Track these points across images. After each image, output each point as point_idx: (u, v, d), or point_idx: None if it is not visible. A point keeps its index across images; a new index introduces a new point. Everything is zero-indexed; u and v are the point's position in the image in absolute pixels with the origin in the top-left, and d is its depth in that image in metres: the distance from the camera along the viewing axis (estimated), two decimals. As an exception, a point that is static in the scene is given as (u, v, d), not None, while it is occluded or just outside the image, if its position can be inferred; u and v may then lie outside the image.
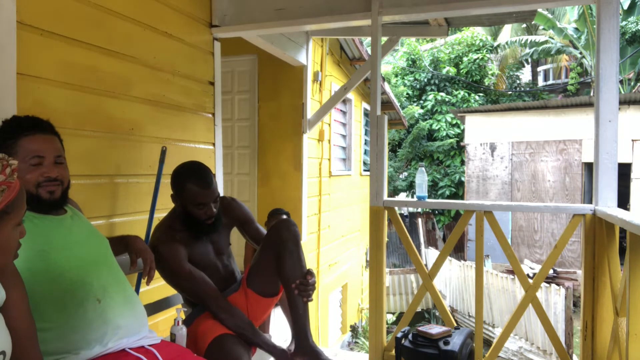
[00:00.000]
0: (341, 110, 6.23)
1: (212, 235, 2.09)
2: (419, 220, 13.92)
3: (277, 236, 2.00)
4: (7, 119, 1.48)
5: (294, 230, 2.01)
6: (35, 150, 1.42)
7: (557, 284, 7.77)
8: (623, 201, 9.28)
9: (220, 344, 1.81)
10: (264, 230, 2.25)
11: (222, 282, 2.06)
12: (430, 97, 15.47)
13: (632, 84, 14.24)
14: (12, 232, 1.03)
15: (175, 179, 2.02)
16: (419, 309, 9.76)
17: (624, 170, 9.11)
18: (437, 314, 10.03)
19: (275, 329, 2.94)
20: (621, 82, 13.89)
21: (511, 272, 8.41)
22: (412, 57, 16.49)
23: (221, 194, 3.21)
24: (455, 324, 2.52)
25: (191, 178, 1.97)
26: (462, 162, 14.01)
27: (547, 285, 7.47)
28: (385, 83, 7.95)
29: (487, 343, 6.76)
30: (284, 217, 3.44)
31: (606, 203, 2.33)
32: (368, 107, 7.19)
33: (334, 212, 5.77)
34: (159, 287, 2.15)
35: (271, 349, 1.93)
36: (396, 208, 2.86)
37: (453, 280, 9.78)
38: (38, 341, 1.18)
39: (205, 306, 1.95)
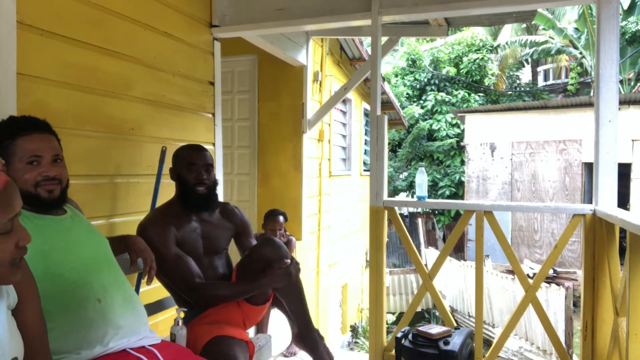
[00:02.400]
0: (341, 110, 6.23)
1: (206, 231, 2.08)
2: (419, 220, 13.92)
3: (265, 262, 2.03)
4: (4, 119, 1.48)
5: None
6: (33, 150, 1.42)
7: (557, 284, 7.76)
8: (623, 201, 9.28)
9: (216, 346, 1.79)
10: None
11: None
12: (430, 97, 15.46)
13: (632, 84, 14.25)
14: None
15: (174, 153, 2.14)
16: (419, 309, 9.75)
17: (624, 170, 9.11)
18: (437, 314, 10.02)
19: (275, 330, 2.93)
20: (621, 82, 13.89)
21: (511, 272, 8.41)
22: (412, 57, 16.49)
23: (220, 195, 3.21)
24: (455, 324, 2.52)
25: (186, 146, 2.15)
26: (462, 162, 14.01)
27: (547, 285, 7.47)
28: (385, 83, 7.95)
29: (487, 343, 6.76)
30: (281, 218, 3.43)
31: (606, 203, 2.33)
32: (368, 107, 7.19)
33: (334, 212, 5.77)
34: (159, 287, 2.15)
35: (264, 282, 1.99)
36: (396, 208, 2.86)
37: (453, 280, 9.78)
38: (48, 343, 1.17)
39: (190, 291, 1.93)
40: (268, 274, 1.99)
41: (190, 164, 2.03)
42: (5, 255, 0.95)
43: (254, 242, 2.27)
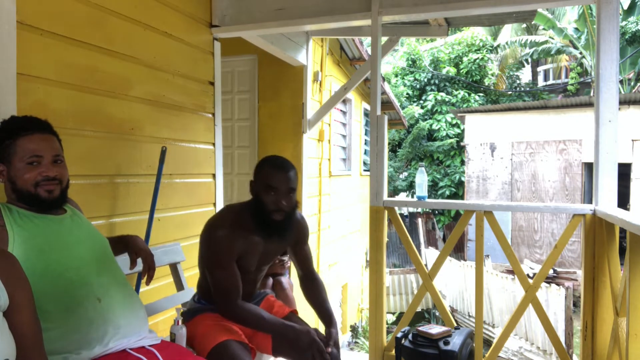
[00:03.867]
0: (341, 110, 6.23)
1: (267, 247, 1.96)
2: (419, 220, 13.92)
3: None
4: (6, 119, 1.48)
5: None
6: (33, 150, 1.42)
7: (557, 284, 7.76)
8: (623, 201, 9.28)
9: (224, 351, 1.77)
10: (309, 253, 2.17)
11: (245, 296, 1.96)
12: (430, 97, 15.47)
13: (632, 84, 14.24)
14: None
15: (258, 164, 1.97)
16: (419, 309, 9.75)
17: (624, 170, 9.11)
18: (437, 314, 10.02)
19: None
20: (621, 82, 13.89)
21: (511, 272, 8.41)
22: (412, 57, 16.49)
23: (220, 195, 3.19)
24: (455, 324, 2.52)
25: (270, 161, 1.93)
26: (462, 162, 14.01)
27: (547, 285, 7.47)
28: (385, 83, 7.95)
29: (487, 343, 6.76)
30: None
31: (606, 203, 2.33)
32: (368, 107, 7.19)
33: (334, 212, 5.77)
34: (159, 287, 2.15)
35: (297, 331, 1.83)
36: (396, 208, 2.85)
37: (453, 280, 9.78)
38: (44, 346, 1.16)
39: (226, 304, 1.85)
40: (302, 336, 1.82)
41: (270, 187, 1.85)
42: None
43: (308, 248, 2.14)
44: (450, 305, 9.64)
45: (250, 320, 1.86)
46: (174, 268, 2.35)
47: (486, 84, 16.05)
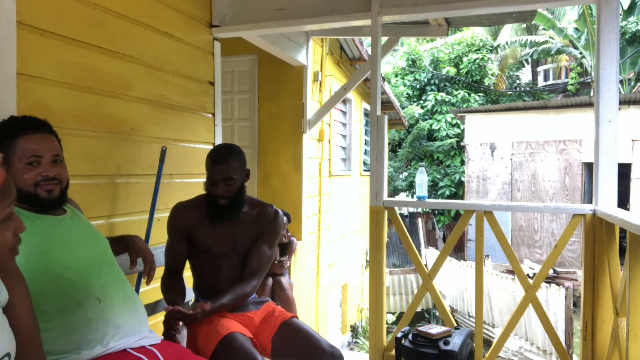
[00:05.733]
0: (341, 110, 6.23)
1: (239, 229, 2.04)
2: (419, 220, 13.92)
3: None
4: (5, 119, 1.48)
5: None
6: (33, 150, 1.42)
7: (557, 284, 7.76)
8: (623, 201, 9.28)
9: (231, 344, 1.78)
10: (267, 255, 2.08)
11: (228, 280, 2.00)
12: (430, 97, 15.46)
13: (632, 84, 14.24)
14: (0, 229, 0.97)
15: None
16: (419, 309, 9.75)
17: (624, 170, 9.11)
18: (437, 314, 10.02)
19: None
20: (621, 82, 13.89)
21: (511, 272, 8.41)
22: (412, 57, 16.49)
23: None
24: (455, 324, 2.52)
25: (211, 154, 2.06)
26: (462, 162, 14.01)
27: (547, 285, 7.47)
28: (385, 83, 7.95)
29: (487, 343, 6.76)
30: (284, 219, 3.35)
31: (606, 203, 2.33)
32: (368, 107, 7.19)
33: (334, 212, 5.77)
34: (159, 287, 2.15)
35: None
36: (396, 208, 2.85)
37: (453, 280, 9.78)
38: (41, 342, 1.17)
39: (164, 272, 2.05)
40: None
41: (210, 178, 2.01)
42: (7, 243, 0.99)
43: (268, 251, 2.07)
44: (450, 305, 9.64)
45: (162, 291, 2.00)
46: (174, 268, 2.35)
47: (486, 84, 16.05)
